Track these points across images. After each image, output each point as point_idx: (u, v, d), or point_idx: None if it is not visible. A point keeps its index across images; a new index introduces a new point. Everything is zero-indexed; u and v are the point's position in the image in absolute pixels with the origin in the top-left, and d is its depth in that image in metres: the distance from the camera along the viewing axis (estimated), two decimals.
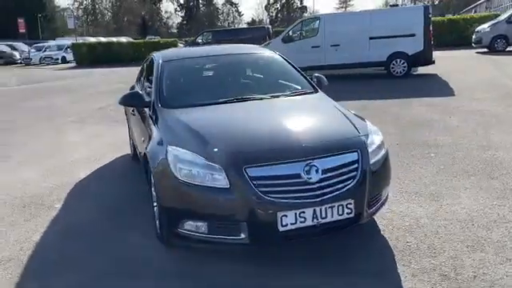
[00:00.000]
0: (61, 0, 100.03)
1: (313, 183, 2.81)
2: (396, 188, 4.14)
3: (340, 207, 2.86)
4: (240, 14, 76.68)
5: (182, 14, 73.65)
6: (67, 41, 33.74)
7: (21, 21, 39.70)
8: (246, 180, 2.77)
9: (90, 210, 4.20)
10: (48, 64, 30.76)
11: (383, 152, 3.27)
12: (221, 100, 3.81)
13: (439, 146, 5.55)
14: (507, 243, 3.12)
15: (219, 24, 68.96)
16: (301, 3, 73.99)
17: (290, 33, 13.35)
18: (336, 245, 3.25)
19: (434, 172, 4.63)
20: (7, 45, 34.20)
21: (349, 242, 3.28)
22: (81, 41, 32.98)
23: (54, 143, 7.07)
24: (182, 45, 28.37)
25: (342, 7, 73.37)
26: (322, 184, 2.83)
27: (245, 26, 63.36)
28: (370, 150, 3.10)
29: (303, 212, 2.78)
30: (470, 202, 3.84)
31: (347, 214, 2.89)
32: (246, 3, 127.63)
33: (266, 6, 74.73)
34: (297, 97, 4.05)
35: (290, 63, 4.58)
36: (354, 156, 3.00)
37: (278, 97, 3.96)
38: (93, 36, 44.79)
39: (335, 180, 2.88)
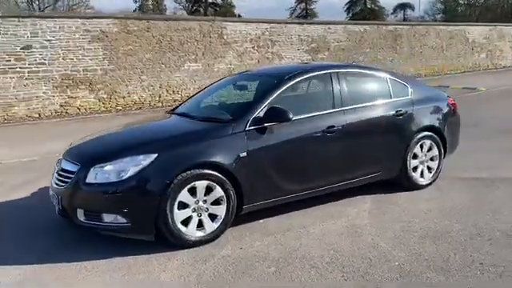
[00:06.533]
0: None
1: (57, 174, 3.89)
2: None
3: (57, 198, 3.76)
4: None
5: None
6: None
7: None
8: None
9: None
10: None
11: (103, 176, 3.48)
12: None
13: None
14: None
15: None
16: None
17: None
18: None
19: None
20: None
21: None
22: None
23: None
24: None
25: None
26: (60, 178, 3.81)
27: None
28: (96, 171, 3.52)
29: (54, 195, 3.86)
30: None
31: (58, 206, 3.76)
32: None
33: None
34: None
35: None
36: (73, 167, 3.67)
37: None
38: None
39: (63, 179, 3.74)
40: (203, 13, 52.37)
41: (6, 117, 11.13)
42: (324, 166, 4.23)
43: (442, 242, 3.56)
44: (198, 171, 3.56)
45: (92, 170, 3.52)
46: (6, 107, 11.15)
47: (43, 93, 11.56)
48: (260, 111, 3.93)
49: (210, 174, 3.61)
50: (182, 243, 3.57)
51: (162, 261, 3.42)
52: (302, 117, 4.10)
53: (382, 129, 4.59)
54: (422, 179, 4.87)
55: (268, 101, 4.01)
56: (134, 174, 3.42)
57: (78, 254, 3.56)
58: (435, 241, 3.58)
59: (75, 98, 12.02)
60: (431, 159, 4.93)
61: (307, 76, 4.44)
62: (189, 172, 3.52)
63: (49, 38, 11.41)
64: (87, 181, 3.51)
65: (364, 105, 4.49)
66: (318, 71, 4.53)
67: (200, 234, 3.64)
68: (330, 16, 60.62)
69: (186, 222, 3.59)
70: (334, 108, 4.30)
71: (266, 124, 3.88)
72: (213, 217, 3.70)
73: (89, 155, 3.73)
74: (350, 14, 56.81)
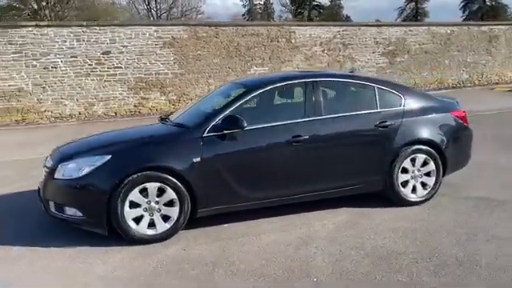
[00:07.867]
0: None
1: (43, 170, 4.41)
2: None
3: (38, 190, 4.31)
4: None
5: None
6: None
7: None
8: None
9: None
10: None
11: (68, 173, 3.90)
12: None
13: None
14: None
15: None
16: None
17: None
18: None
19: None
20: None
21: None
22: None
23: None
24: None
25: None
26: (43, 173, 4.31)
27: None
28: (63, 169, 3.98)
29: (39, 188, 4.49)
30: None
31: (39, 197, 4.27)
32: None
33: None
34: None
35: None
36: (50, 163, 4.15)
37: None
38: None
39: (44, 174, 4.22)
40: (307, 15, 52.65)
41: (86, 114, 12.53)
42: (288, 176, 4.20)
43: (382, 262, 3.36)
44: (148, 173, 3.81)
45: (60, 166, 3.97)
46: (88, 106, 12.53)
47: (119, 94, 12.77)
48: (220, 119, 4.05)
49: (161, 177, 3.83)
50: (131, 239, 3.84)
51: (110, 254, 3.73)
52: (265, 125, 4.13)
53: (361, 140, 4.40)
54: (413, 195, 4.55)
55: (230, 109, 4.12)
56: (87, 173, 3.79)
57: (46, 240, 3.99)
58: (376, 261, 3.39)
59: (147, 99, 13.06)
60: (427, 175, 4.58)
61: (277, 85, 4.44)
62: (139, 174, 3.78)
63: (125, 44, 12.57)
64: (55, 176, 3.97)
65: (341, 115, 4.35)
66: (291, 81, 4.51)
67: (151, 232, 3.88)
68: (444, 15, 56.63)
69: (138, 220, 3.86)
70: (304, 117, 4.25)
71: (224, 131, 4.00)
72: (166, 218, 3.92)
73: (60, 154, 4.19)
74: (467, 13, 52.73)
